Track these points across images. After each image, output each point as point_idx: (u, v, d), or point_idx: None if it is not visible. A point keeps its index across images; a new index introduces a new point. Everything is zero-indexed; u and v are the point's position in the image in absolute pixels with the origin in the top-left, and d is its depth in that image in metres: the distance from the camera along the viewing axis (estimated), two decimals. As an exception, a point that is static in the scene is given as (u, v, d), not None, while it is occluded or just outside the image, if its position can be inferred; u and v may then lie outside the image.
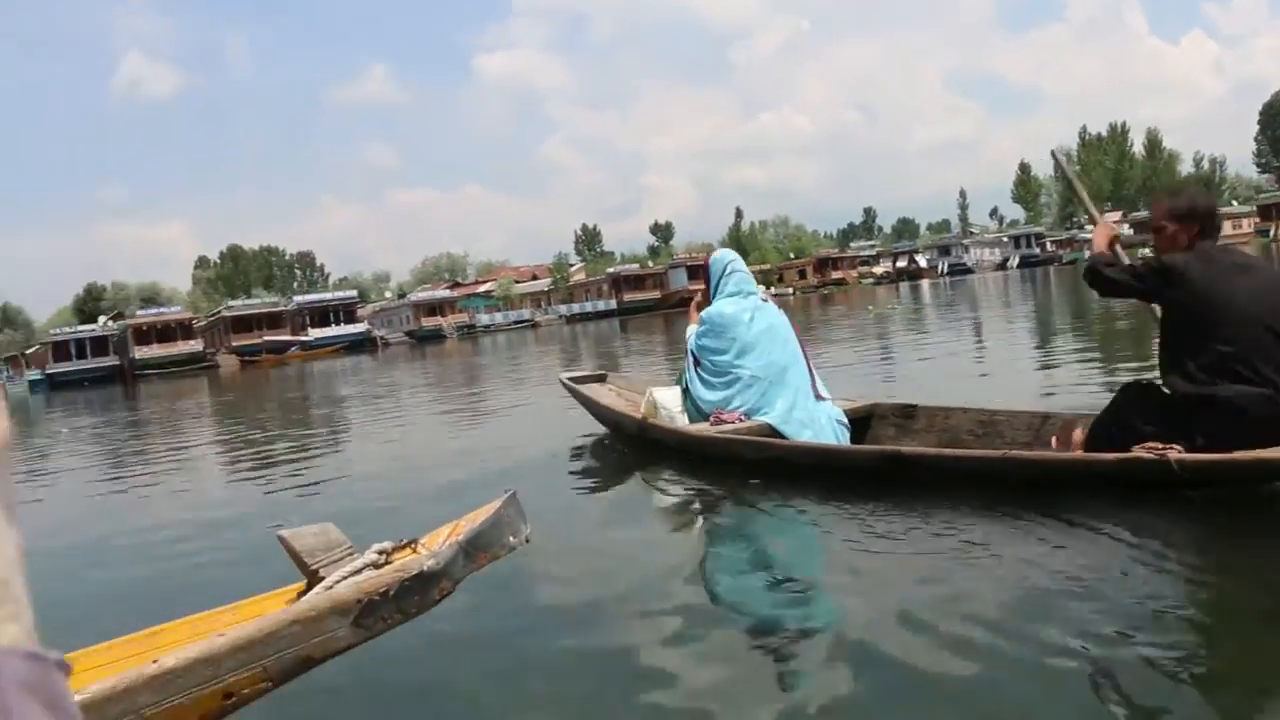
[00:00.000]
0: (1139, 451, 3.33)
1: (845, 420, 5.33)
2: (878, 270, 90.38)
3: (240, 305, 77.36)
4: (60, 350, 72.36)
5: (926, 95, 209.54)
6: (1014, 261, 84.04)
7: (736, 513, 4.29)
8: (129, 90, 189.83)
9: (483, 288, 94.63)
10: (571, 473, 6.09)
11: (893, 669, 2.39)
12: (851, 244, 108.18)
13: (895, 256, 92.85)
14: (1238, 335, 3.34)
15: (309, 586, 2.10)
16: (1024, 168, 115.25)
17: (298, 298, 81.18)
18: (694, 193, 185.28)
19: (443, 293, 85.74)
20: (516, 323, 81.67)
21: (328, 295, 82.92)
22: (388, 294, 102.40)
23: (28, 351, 78.57)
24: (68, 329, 77.42)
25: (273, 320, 75.19)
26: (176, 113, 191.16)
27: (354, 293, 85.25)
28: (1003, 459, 3.83)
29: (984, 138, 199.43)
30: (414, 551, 2.08)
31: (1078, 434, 3.86)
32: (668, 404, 5.76)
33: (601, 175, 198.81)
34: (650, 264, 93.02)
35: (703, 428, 5.32)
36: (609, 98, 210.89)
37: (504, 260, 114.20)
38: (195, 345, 73.15)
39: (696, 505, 4.61)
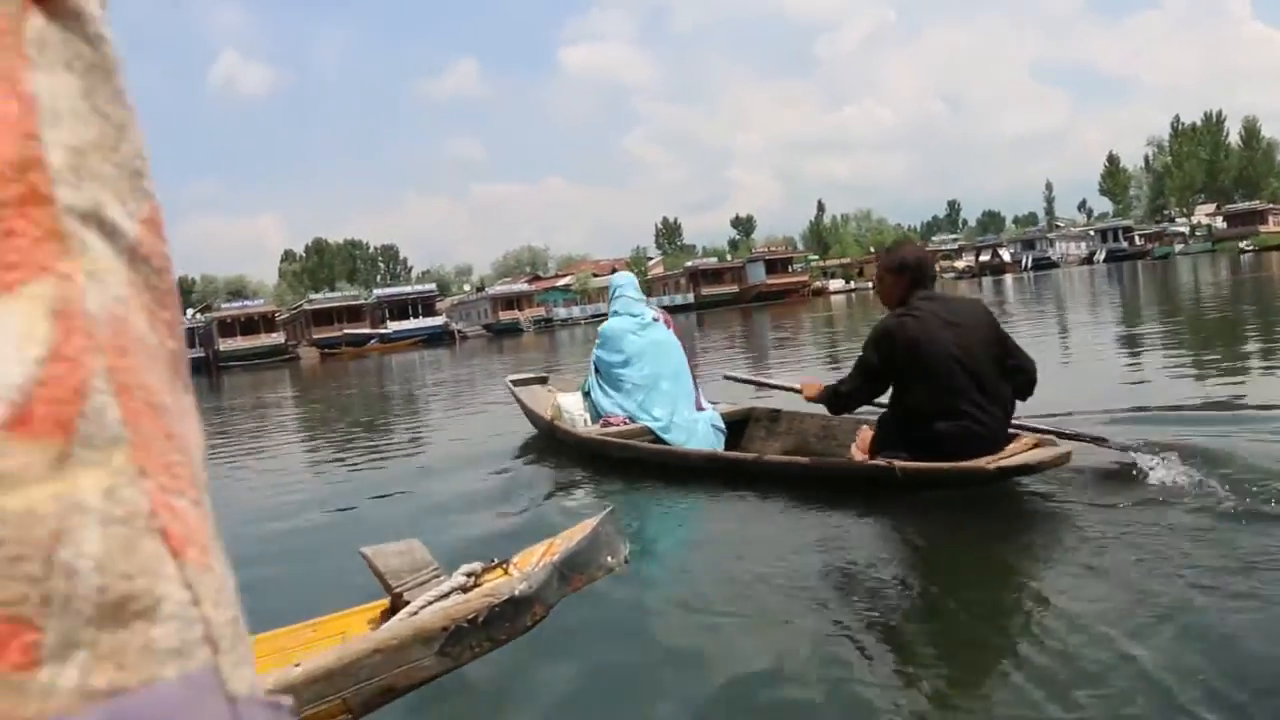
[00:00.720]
0: (879, 460, 4.25)
1: (723, 425, 6.05)
2: (959, 264, 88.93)
3: (321, 298, 78.45)
4: (145, 342, 74.10)
5: (1013, 85, 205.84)
6: (1100, 256, 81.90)
7: (617, 500, 4.85)
8: (224, 87, 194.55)
9: (561, 281, 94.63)
10: (498, 471, 6.26)
11: (682, 613, 3.16)
12: (933, 237, 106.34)
13: (978, 250, 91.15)
14: (943, 379, 4.08)
15: (393, 607, 2.05)
16: (1112, 159, 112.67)
17: (377, 291, 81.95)
18: (777, 186, 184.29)
19: (520, 286, 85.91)
20: (593, 316, 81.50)
21: (406, 289, 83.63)
22: (465, 287, 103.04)
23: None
24: (150, 322, 79.22)
25: (352, 313, 76.11)
26: (268, 109, 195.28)
27: (433, 286, 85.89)
28: (785, 463, 4.82)
29: (1072, 128, 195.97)
30: (505, 573, 2.01)
31: (864, 435, 4.60)
32: (569, 408, 6.59)
33: (685, 168, 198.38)
34: (728, 258, 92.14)
35: (590, 429, 6.16)
36: (692, 91, 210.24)
37: (584, 254, 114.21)
38: (278, 338, 74.33)
39: (576, 497, 5.25)
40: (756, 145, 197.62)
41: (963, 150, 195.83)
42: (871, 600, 3.12)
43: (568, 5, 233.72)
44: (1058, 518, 3.81)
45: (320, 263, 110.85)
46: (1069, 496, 3.98)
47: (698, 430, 5.87)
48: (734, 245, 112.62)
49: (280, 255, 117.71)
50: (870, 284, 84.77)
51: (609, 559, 1.97)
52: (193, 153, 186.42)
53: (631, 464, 5.48)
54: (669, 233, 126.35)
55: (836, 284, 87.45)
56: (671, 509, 4.84)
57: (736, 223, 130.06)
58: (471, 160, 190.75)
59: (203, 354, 71.61)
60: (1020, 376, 4.26)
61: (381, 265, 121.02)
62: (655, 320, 6.45)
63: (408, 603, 1.93)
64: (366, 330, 74.69)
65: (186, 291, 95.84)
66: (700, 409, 6.15)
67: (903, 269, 4.41)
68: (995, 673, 2.53)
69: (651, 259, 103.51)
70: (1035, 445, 4.10)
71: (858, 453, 4.53)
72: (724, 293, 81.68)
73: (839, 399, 4.59)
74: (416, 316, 77.02)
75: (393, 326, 75.02)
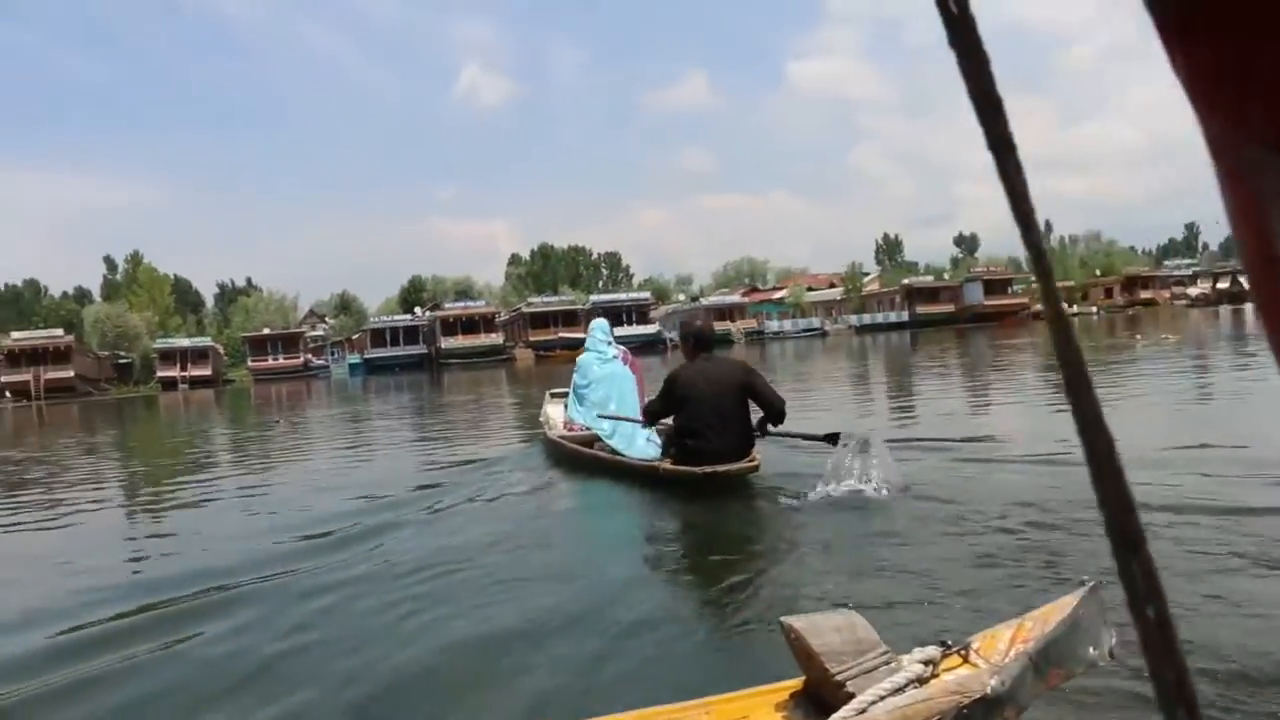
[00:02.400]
0: (659, 465, 6.62)
1: (658, 439, 7.51)
2: (1192, 291, 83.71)
3: (539, 302, 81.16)
4: (377, 337, 78.74)
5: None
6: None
7: (567, 484, 7.52)
8: (466, 97, 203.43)
9: (778, 294, 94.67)
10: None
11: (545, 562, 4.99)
12: (1166, 262, 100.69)
13: (1215, 277, 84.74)
14: (698, 412, 6.35)
15: (810, 692, 1.76)
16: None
17: (593, 297, 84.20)
18: (1006, 203, 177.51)
19: (733, 298, 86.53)
20: (805, 331, 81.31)
21: (621, 296, 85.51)
22: (679, 296, 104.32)
23: (353, 337, 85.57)
24: (384, 318, 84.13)
25: (568, 318, 78.40)
26: (505, 119, 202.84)
27: (647, 295, 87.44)
28: (628, 464, 7.19)
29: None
30: (965, 661, 1.73)
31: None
32: (552, 416, 9.32)
33: (911, 184, 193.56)
34: (945, 276, 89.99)
35: (557, 433, 8.58)
36: (922, 105, 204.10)
37: (803, 267, 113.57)
38: (496, 338, 77.49)
39: (543, 482, 7.55)
40: (986, 161, 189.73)
41: (1206, 171, 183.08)
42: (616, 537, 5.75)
43: (798, 21, 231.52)
44: (762, 499, 5.94)
45: (544, 267, 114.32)
46: (776, 485, 6.14)
47: (636, 440, 7.71)
48: (955, 263, 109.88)
49: (507, 259, 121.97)
50: (1094, 309, 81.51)
51: (1090, 650, 1.70)
52: (437, 159, 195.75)
53: (572, 458, 7.93)
54: (889, 249, 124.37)
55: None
56: (579, 490, 7.25)
57: (960, 240, 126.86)
58: (699, 171, 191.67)
59: (425, 350, 75.35)
60: (770, 410, 6.43)
61: (604, 271, 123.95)
62: (615, 357, 8.58)
63: (842, 686, 1.66)
64: (580, 335, 76.55)
65: (419, 290, 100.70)
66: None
67: (685, 338, 6.83)
68: (682, 579, 4.65)
69: (868, 275, 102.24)
70: (751, 461, 6.19)
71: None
72: (939, 312, 79.97)
73: (648, 415, 7.09)
74: (630, 324, 78.56)
75: (607, 333, 76.82)
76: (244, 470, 11.19)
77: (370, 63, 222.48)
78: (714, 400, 6.29)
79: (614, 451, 7.58)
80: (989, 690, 1.52)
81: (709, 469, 6.01)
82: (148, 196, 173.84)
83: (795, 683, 1.81)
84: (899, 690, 1.60)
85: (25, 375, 72.05)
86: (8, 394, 70.66)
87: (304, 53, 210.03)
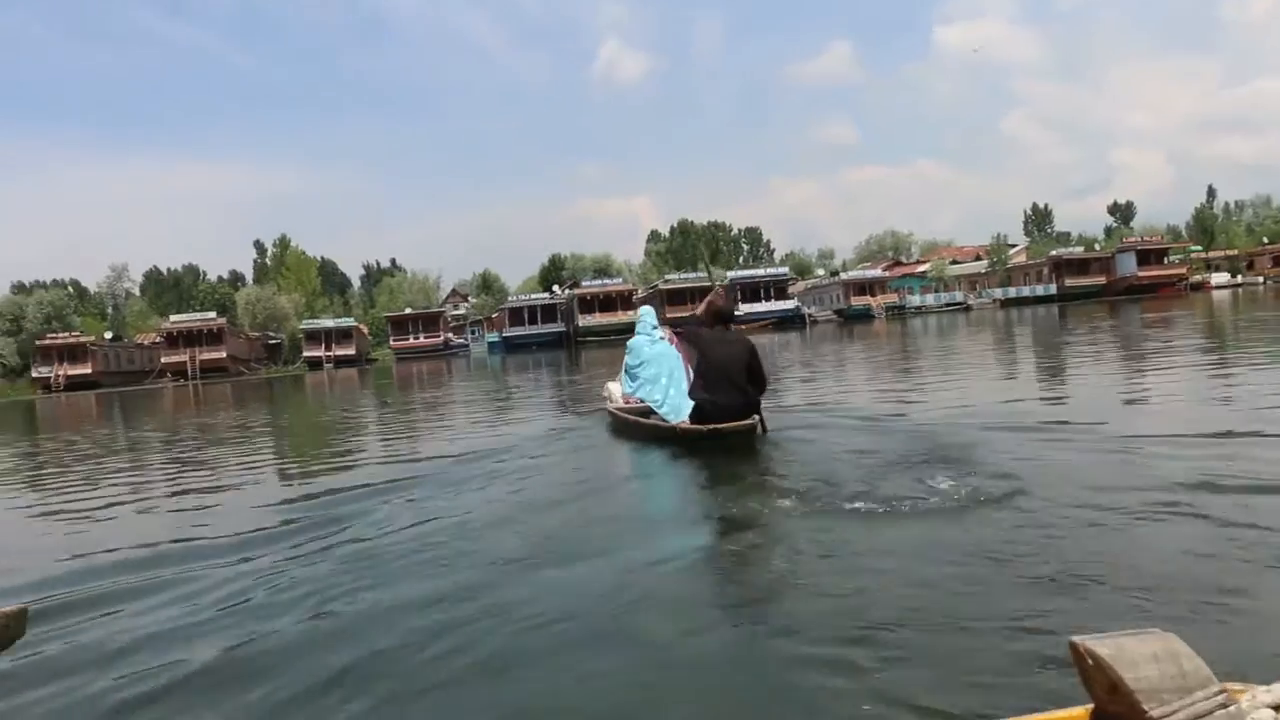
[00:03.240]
0: (676, 424, 7.80)
1: None
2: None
3: (676, 279, 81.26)
4: (515, 316, 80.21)
5: None
6: None
7: (626, 446, 8.32)
8: (605, 75, 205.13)
9: (921, 268, 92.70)
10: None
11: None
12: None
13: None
14: (709, 375, 7.54)
15: None
16: None
17: (730, 274, 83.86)
18: (1168, 170, 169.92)
19: (873, 272, 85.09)
20: (948, 305, 79.49)
21: (759, 272, 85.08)
22: (819, 271, 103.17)
23: (492, 316, 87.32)
24: (522, 297, 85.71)
25: (704, 294, 78.04)
26: (644, 95, 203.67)
27: (785, 270, 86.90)
28: (655, 426, 8.24)
29: None
30: None
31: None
32: (612, 392, 10.38)
33: (1065, 151, 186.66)
34: (1096, 247, 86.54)
35: (616, 407, 9.60)
36: (1077, 69, 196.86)
37: (949, 240, 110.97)
38: (632, 315, 77.70)
39: (611, 448, 8.45)
40: (1146, 125, 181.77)
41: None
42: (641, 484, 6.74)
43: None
44: (757, 454, 6.79)
45: (684, 244, 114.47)
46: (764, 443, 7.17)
47: (682, 409, 8.29)
48: (1109, 233, 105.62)
49: (646, 236, 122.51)
50: (1260, 278, 77.28)
51: None
52: (579, 137, 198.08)
53: (626, 426, 8.86)
54: (1038, 219, 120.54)
55: (1220, 278, 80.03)
56: (634, 453, 7.95)
57: (1114, 209, 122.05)
58: (842, 143, 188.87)
59: (563, 329, 76.38)
60: (759, 382, 7.61)
61: (744, 247, 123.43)
62: (661, 339, 9.69)
63: None
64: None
65: (559, 268, 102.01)
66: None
67: (710, 313, 8.07)
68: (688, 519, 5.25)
69: (1014, 246, 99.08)
70: (749, 422, 7.16)
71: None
72: (1089, 285, 77.22)
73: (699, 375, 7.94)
74: (768, 299, 78.25)
75: (744, 308, 76.50)
76: (388, 435, 11.51)
77: (512, 44, 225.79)
78: (722, 364, 7.48)
79: (663, 419, 8.53)
80: None
81: (712, 427, 7.12)
82: (298, 182, 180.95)
83: (1081, 712, 1.43)
84: None
85: (183, 356, 76.23)
86: (168, 374, 74.94)
87: (448, 36, 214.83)
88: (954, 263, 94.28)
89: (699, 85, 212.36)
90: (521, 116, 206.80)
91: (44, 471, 11.73)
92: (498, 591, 3.75)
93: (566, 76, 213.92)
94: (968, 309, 75.64)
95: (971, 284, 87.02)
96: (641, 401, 9.28)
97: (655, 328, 9.91)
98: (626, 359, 9.87)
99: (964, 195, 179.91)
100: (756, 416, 7.32)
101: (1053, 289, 78.30)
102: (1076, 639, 1.39)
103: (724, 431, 7.07)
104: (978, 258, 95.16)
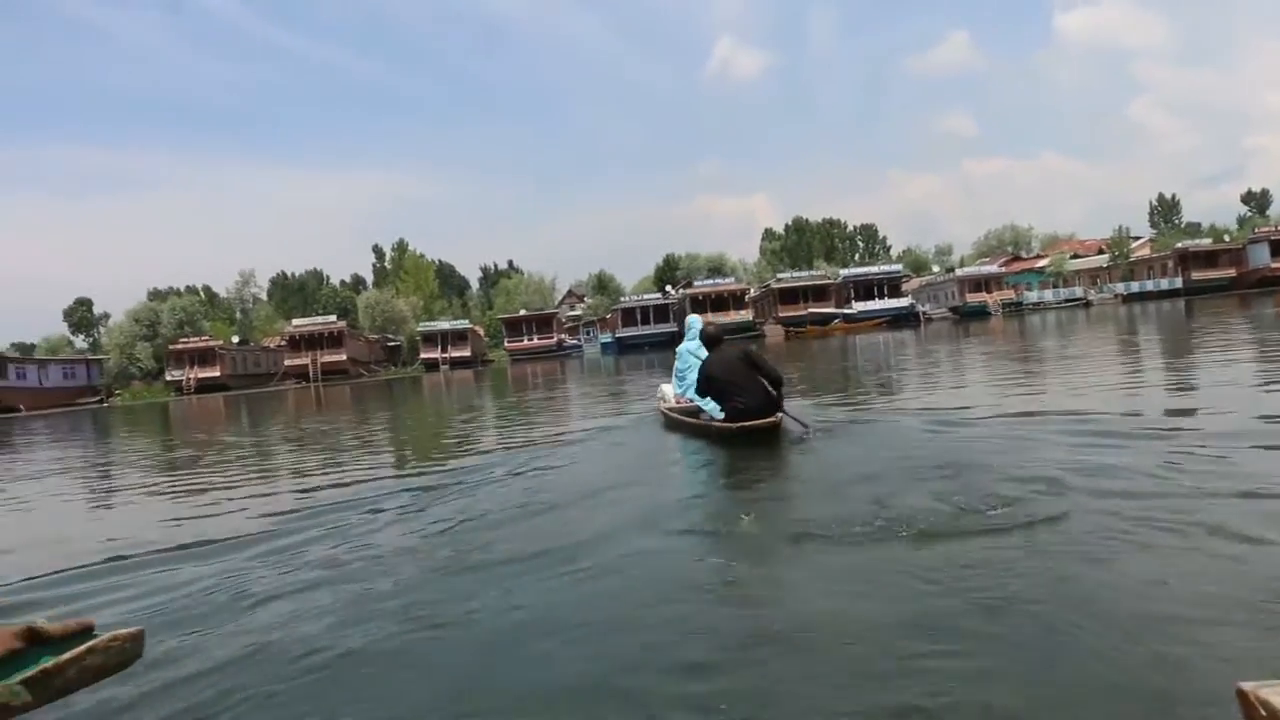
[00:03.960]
0: (712, 422, 8.78)
1: None
2: None
3: (789, 277, 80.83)
4: (627, 316, 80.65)
5: None
6: None
7: (676, 440, 9.31)
8: (720, 72, 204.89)
9: (1040, 263, 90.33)
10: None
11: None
12: None
13: None
14: (725, 386, 8.57)
15: None
16: None
17: (844, 271, 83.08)
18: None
19: (990, 268, 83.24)
20: (1067, 301, 77.32)
21: (873, 269, 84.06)
22: (935, 268, 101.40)
23: (606, 317, 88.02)
24: (635, 297, 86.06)
25: (818, 293, 77.75)
26: (760, 90, 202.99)
27: (899, 267, 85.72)
28: (704, 425, 9.04)
29: None
30: None
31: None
32: (665, 393, 11.44)
33: (1194, 138, 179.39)
34: (1225, 238, 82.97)
35: (668, 406, 10.81)
36: (1207, 51, 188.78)
37: (1071, 233, 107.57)
38: (746, 315, 77.68)
39: (661, 446, 9.30)
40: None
41: None
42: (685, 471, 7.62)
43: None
44: (781, 449, 7.64)
45: (799, 241, 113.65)
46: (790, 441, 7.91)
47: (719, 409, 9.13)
48: (1242, 223, 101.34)
49: (760, 234, 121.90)
50: None
51: None
52: (696, 136, 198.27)
53: (676, 424, 10.00)
54: (1164, 210, 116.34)
55: (1366, 269, 75.99)
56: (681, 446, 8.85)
57: (1249, 198, 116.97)
58: (962, 135, 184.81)
59: (675, 328, 76.57)
60: (770, 378, 8.45)
61: (860, 244, 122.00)
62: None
63: None
64: (830, 310, 75.93)
65: (673, 268, 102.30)
66: None
67: (703, 340, 9.57)
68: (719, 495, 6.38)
69: (1138, 239, 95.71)
70: (774, 421, 8.15)
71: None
72: (1218, 278, 74.14)
73: (699, 392, 9.21)
74: (882, 297, 77.29)
75: (857, 307, 75.80)
76: (495, 430, 11.73)
77: (626, 46, 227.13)
78: (729, 375, 8.54)
79: (711, 418, 9.15)
80: None
81: (740, 424, 8.11)
82: (419, 187, 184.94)
83: None
84: None
85: (304, 359, 78.82)
86: (291, 377, 77.67)
87: (562, 41, 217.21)
88: (1074, 257, 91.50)
89: (814, 80, 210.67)
90: (637, 117, 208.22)
91: (203, 469, 12.23)
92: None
93: (682, 75, 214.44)
94: (1088, 305, 73.42)
95: (1092, 279, 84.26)
96: (690, 401, 10.17)
97: (695, 331, 10.67)
98: (676, 364, 11.04)
99: (1090, 187, 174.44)
100: (779, 414, 8.30)
101: (1178, 283, 75.39)
102: (1247, 686, 1.33)
103: (750, 429, 8.04)
104: (1100, 251, 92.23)
